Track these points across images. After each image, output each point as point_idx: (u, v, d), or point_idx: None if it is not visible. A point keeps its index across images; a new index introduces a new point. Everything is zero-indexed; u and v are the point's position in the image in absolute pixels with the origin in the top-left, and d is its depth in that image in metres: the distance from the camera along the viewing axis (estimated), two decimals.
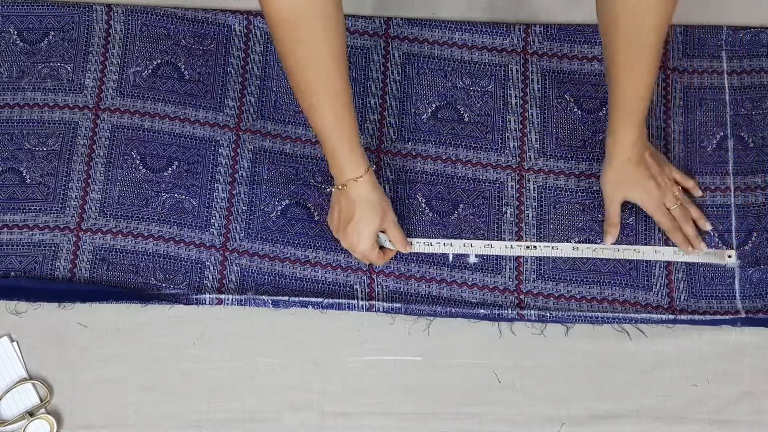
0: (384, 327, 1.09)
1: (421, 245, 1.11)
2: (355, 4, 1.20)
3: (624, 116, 1.02)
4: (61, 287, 1.09)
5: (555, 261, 1.12)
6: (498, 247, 1.11)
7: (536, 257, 1.11)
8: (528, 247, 1.11)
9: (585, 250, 1.11)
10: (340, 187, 1.03)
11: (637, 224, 1.13)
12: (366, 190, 1.03)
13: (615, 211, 1.11)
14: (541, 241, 1.12)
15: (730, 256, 1.11)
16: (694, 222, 1.12)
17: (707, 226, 1.11)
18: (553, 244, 1.11)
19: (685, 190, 1.13)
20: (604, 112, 1.16)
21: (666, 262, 1.11)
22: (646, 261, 1.11)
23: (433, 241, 1.11)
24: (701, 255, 1.11)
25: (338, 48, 0.93)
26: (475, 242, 1.12)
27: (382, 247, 1.09)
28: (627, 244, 1.11)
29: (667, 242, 1.12)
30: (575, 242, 1.12)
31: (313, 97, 0.96)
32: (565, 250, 1.11)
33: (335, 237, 1.08)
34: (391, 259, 1.11)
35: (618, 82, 0.99)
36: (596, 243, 1.12)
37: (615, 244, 1.11)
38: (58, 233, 1.12)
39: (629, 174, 1.07)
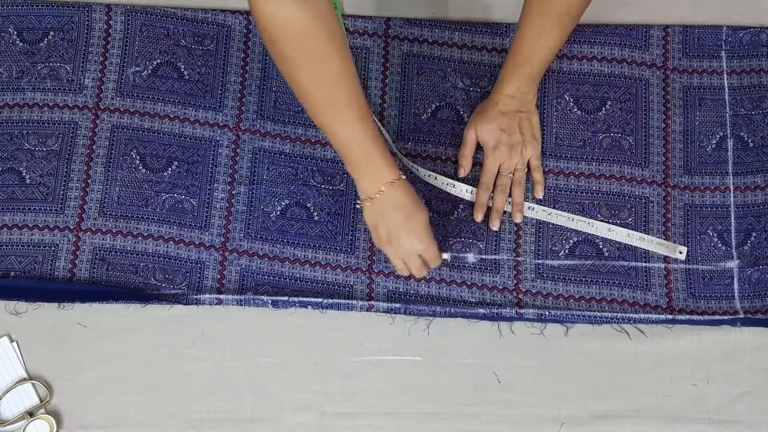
0: (384, 327, 1.09)
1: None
2: (355, 4, 1.20)
3: (515, 67, 1.08)
4: (60, 287, 1.09)
5: (554, 260, 1.12)
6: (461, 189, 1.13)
7: (534, 254, 1.12)
8: (530, 208, 1.13)
9: (560, 217, 1.12)
10: (378, 194, 0.99)
11: (635, 222, 1.13)
12: (409, 189, 1.01)
13: (470, 139, 1.12)
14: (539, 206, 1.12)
15: (681, 252, 1.11)
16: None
17: (495, 225, 1.11)
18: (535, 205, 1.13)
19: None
20: (604, 111, 1.16)
21: (665, 263, 1.11)
22: (646, 262, 1.11)
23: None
24: (653, 244, 1.11)
25: (347, 53, 0.92)
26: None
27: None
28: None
29: (666, 235, 1.12)
30: (572, 242, 1.12)
31: (333, 108, 0.94)
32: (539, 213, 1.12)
33: (385, 252, 1.03)
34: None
35: (522, 38, 1.06)
36: (597, 244, 1.12)
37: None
38: (58, 233, 1.12)
39: (489, 115, 1.10)
